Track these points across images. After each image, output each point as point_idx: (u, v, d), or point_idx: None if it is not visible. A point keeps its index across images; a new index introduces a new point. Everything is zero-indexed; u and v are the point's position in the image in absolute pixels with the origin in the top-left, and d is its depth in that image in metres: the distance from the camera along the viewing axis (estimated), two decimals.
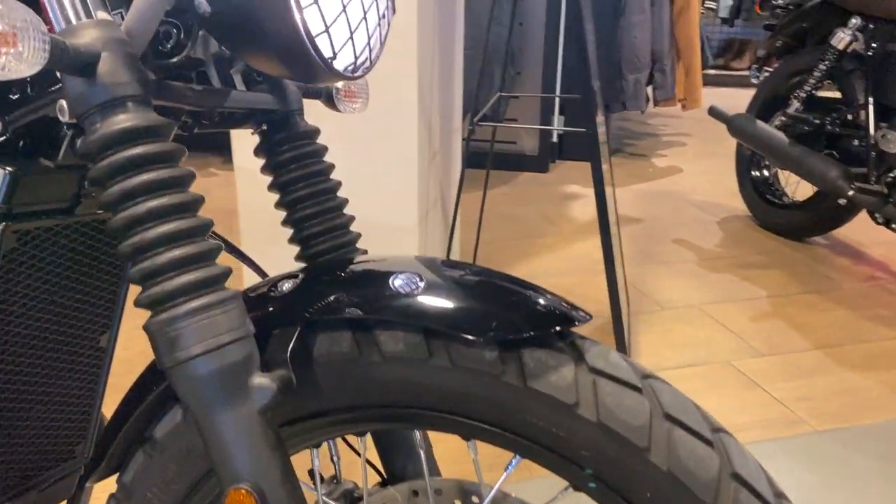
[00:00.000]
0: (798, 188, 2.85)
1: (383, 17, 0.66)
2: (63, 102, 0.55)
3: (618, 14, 3.75)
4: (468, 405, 0.59)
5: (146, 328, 0.55)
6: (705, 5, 6.02)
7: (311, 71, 0.60)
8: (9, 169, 0.63)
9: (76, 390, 0.80)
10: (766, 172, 2.98)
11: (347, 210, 0.79)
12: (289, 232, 0.76)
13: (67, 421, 0.81)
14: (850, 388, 1.82)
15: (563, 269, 2.52)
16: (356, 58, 0.63)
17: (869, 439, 1.61)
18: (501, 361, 0.57)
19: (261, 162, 0.76)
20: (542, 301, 0.60)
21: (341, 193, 0.78)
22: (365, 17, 0.62)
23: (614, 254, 1.83)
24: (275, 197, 0.76)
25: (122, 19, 0.58)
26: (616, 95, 3.87)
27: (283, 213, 0.76)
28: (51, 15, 0.55)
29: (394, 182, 1.74)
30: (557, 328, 0.58)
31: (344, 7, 0.59)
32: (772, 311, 2.25)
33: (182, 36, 0.62)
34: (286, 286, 0.63)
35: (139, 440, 0.67)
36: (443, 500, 0.74)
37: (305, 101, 0.79)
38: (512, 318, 0.57)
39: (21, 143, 0.64)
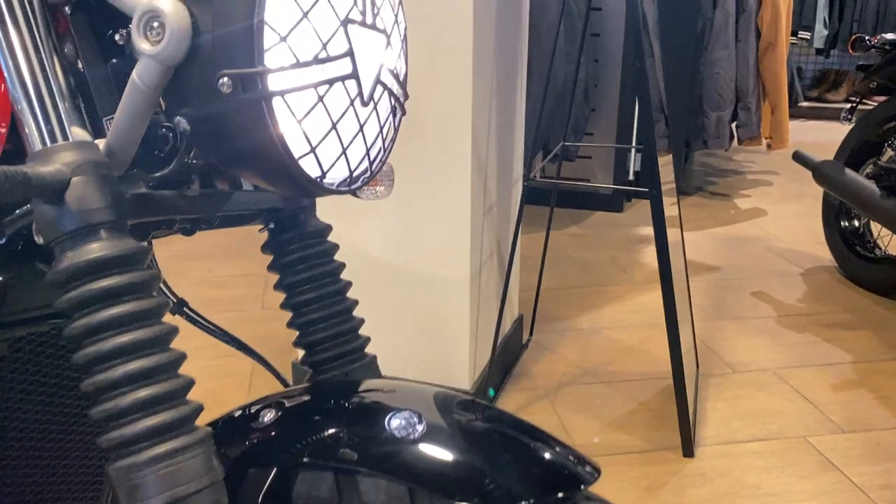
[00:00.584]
0: (892, 241, 2.64)
1: (386, 121, 0.62)
2: (38, 233, 0.52)
3: (700, 49, 3.61)
4: None
5: (106, 472, 0.51)
6: (799, 35, 5.75)
7: (300, 189, 0.56)
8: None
9: None
10: (856, 223, 2.78)
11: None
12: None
13: None
14: None
15: (629, 322, 2.41)
16: (351, 172, 0.58)
17: None
18: None
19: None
20: (550, 459, 0.53)
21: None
22: (362, 129, 0.57)
23: (679, 308, 1.72)
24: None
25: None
26: (697, 133, 3.72)
27: (288, 314, 0.72)
28: (27, 139, 0.52)
29: (445, 237, 1.69)
30: (560, 494, 0.51)
31: (334, 124, 0.54)
32: (856, 380, 2.08)
33: (178, 141, 0.59)
34: (268, 416, 0.58)
35: None
36: None
37: None
38: (511, 483, 0.51)
39: (17, 246, 0.62)
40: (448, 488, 0.51)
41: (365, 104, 0.57)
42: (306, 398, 0.61)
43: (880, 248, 2.72)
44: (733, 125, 3.74)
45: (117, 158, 0.54)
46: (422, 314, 1.77)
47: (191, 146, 0.59)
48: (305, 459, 0.55)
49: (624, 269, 2.89)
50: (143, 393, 0.50)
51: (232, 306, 2.46)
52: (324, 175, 0.55)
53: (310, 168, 0.54)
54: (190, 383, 0.52)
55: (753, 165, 4.78)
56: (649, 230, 3.39)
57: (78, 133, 0.53)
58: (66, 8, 0.57)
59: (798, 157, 2.68)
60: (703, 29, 3.58)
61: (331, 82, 0.53)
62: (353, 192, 0.62)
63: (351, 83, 0.55)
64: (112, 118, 0.58)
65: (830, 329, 2.39)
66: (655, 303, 2.54)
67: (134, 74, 0.51)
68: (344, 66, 0.54)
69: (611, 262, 2.96)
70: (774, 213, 3.73)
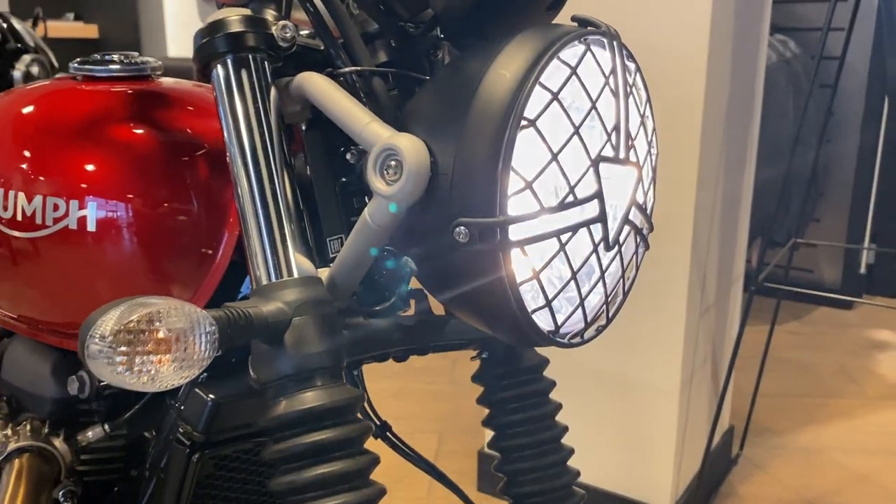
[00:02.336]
0: None
1: (630, 262, 0.54)
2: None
3: None
4: None
5: None
6: None
7: (528, 341, 0.49)
8: (212, 396, 0.60)
9: None
10: None
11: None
12: None
13: None
14: None
15: (860, 444, 2.09)
16: (587, 322, 0.51)
17: None
18: None
19: None
20: None
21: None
22: (603, 277, 0.50)
23: None
24: None
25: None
26: None
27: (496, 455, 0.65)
28: (251, 261, 0.50)
29: (656, 340, 1.55)
30: None
31: (574, 274, 0.47)
32: None
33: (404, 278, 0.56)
34: None
35: None
36: None
37: None
38: None
39: (226, 366, 0.61)
40: None
41: (609, 249, 0.49)
42: None
43: None
44: None
45: (339, 291, 0.51)
46: (625, 421, 1.64)
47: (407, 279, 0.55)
48: None
49: (854, 380, 2.55)
50: None
51: (421, 377, 2.45)
52: (557, 329, 0.48)
53: (542, 321, 0.47)
54: None
55: None
56: (885, 334, 2.98)
57: (303, 264, 0.50)
58: (302, 125, 0.56)
59: None
60: None
61: (575, 229, 0.46)
62: (580, 343, 0.54)
63: (596, 227, 0.48)
64: (336, 238, 0.56)
65: None
66: (895, 424, 2.20)
67: (366, 213, 0.47)
68: (591, 210, 0.47)
69: (838, 370, 2.62)
70: None
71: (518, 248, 0.44)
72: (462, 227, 0.43)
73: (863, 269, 3.39)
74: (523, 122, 0.43)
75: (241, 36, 0.51)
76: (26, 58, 2.53)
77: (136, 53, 0.70)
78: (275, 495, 0.46)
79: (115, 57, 0.69)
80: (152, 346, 0.38)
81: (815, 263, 3.33)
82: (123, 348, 0.38)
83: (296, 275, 0.49)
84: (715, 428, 1.67)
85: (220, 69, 0.51)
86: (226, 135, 0.51)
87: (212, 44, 0.51)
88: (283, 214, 0.50)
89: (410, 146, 0.44)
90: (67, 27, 4.27)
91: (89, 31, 5.08)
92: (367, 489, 0.46)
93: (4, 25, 2.63)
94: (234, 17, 0.51)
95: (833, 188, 3.27)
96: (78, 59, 0.69)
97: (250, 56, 0.51)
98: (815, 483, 1.90)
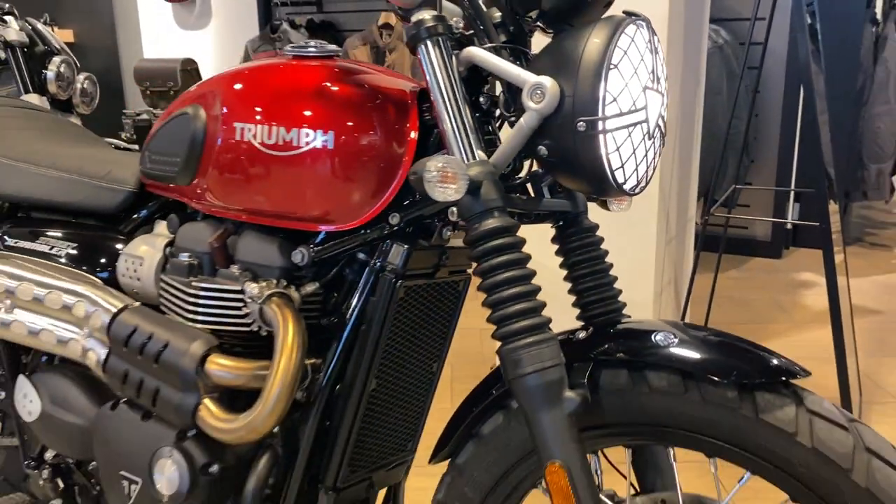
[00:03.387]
0: None
1: (664, 135, 0.95)
2: (454, 209, 0.88)
3: (860, 104, 3.74)
4: (713, 430, 0.82)
5: (498, 352, 0.85)
6: None
7: (607, 191, 0.89)
8: (406, 246, 0.98)
9: (414, 400, 1.14)
10: None
11: None
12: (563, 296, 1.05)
13: (406, 422, 1.14)
14: None
15: (793, 354, 2.57)
16: (638, 181, 0.91)
17: None
18: (740, 399, 0.80)
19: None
20: (772, 358, 0.83)
21: None
22: (647, 154, 0.91)
23: (846, 344, 1.92)
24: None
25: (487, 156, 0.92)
26: (857, 185, 3.82)
27: (568, 284, 1.05)
28: (455, 153, 0.89)
29: (634, 262, 1.99)
30: (783, 378, 0.80)
31: (634, 150, 0.88)
32: None
33: (518, 165, 0.96)
34: (581, 335, 0.91)
35: (471, 434, 0.98)
36: None
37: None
38: (748, 368, 0.81)
39: (408, 230, 1.00)
40: (707, 370, 0.81)
41: (650, 137, 0.90)
42: (598, 328, 0.93)
43: None
44: (894, 179, 3.80)
45: (499, 168, 0.90)
46: None
47: (539, 164, 0.94)
48: (610, 357, 0.87)
49: (784, 310, 3.05)
50: (519, 306, 0.84)
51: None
52: (625, 182, 0.89)
53: (619, 175, 0.88)
54: (543, 304, 0.86)
55: None
56: (808, 276, 3.51)
57: (480, 154, 0.89)
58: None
59: None
60: (864, 85, 3.71)
61: (634, 125, 0.87)
62: (636, 194, 0.94)
63: (644, 125, 0.88)
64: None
65: None
66: (818, 340, 2.69)
67: (522, 121, 0.87)
68: (641, 115, 0.88)
69: (772, 303, 3.13)
70: None
71: (610, 134, 0.84)
72: (581, 122, 0.83)
73: (788, 226, 3.93)
74: (611, 66, 0.83)
75: (434, 27, 0.89)
76: (56, 59, 2.77)
77: (323, 42, 1.07)
78: (479, 275, 0.86)
79: (312, 43, 1.06)
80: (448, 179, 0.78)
81: (749, 222, 3.85)
82: (439, 176, 0.77)
83: (478, 159, 0.88)
84: None
85: (427, 46, 0.89)
86: (430, 83, 0.89)
87: (418, 33, 0.89)
88: (469, 128, 0.89)
89: (549, 83, 0.84)
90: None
91: (65, 35, 5.27)
92: (527, 267, 0.86)
93: (31, 29, 2.88)
94: (429, 17, 0.90)
95: (761, 156, 3.79)
96: (289, 46, 1.06)
97: (439, 38, 0.90)
98: None
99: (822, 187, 1.80)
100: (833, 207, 2.80)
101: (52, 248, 1.27)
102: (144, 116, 4.06)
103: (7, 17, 2.83)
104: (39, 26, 2.91)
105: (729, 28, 3.64)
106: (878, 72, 3.68)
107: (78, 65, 2.86)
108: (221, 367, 0.98)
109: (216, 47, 4.83)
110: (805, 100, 3.72)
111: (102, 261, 1.23)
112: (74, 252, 1.26)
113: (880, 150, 3.69)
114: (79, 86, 2.85)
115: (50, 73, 2.73)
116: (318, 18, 4.33)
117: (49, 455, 1.31)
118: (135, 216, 1.26)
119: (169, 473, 1.00)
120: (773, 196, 3.81)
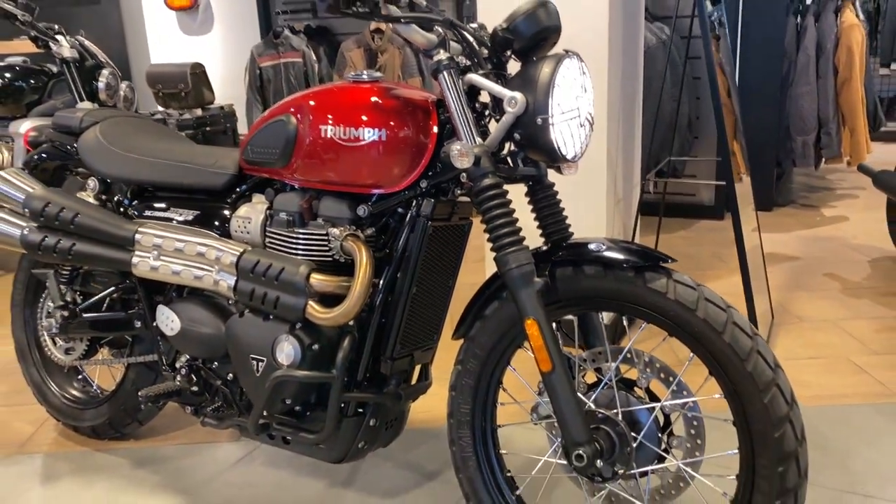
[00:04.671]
0: None
1: (592, 124, 1.53)
2: (464, 175, 1.45)
3: (787, 85, 4.36)
4: (622, 297, 1.40)
5: (494, 259, 1.43)
6: (891, 67, 6.30)
7: (558, 160, 1.47)
8: (432, 201, 1.55)
9: (439, 302, 1.71)
10: None
11: None
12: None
13: (434, 317, 1.71)
14: None
15: (722, 293, 3.18)
16: (576, 153, 1.49)
17: None
18: (635, 277, 1.38)
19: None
20: (654, 253, 1.41)
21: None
22: (580, 134, 1.48)
23: (755, 281, 2.52)
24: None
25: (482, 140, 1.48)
26: (787, 154, 4.45)
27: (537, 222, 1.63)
28: (464, 140, 1.46)
29: (587, 220, 2.57)
30: (660, 263, 1.38)
31: (572, 133, 1.46)
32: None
33: (502, 146, 1.54)
34: (544, 248, 1.49)
35: (478, 316, 1.55)
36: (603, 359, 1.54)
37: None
38: (640, 259, 1.39)
39: (433, 191, 1.56)
40: (618, 262, 1.39)
41: (581, 126, 1.48)
42: (554, 246, 1.51)
43: None
44: (821, 148, 4.43)
45: (490, 149, 1.47)
46: None
47: (514, 145, 1.51)
48: (560, 259, 1.44)
49: (723, 261, 3.67)
50: (506, 229, 1.42)
51: None
52: (567, 154, 1.46)
53: (564, 150, 1.45)
54: (521, 229, 1.45)
55: (844, 183, 5.39)
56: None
57: (479, 140, 1.46)
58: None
59: (862, 168, 3.41)
60: (789, 69, 4.33)
61: (572, 119, 1.45)
62: (574, 162, 1.51)
63: (577, 119, 1.46)
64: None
65: (885, 296, 3.08)
66: None
67: (503, 119, 1.44)
68: (575, 113, 1.45)
69: (713, 256, 3.75)
70: (855, 219, 4.39)
71: (557, 125, 1.41)
72: (539, 119, 1.40)
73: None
74: (555, 85, 1.41)
75: (448, 62, 1.46)
76: (105, 72, 3.23)
77: (374, 71, 1.63)
78: (481, 213, 1.43)
79: (364, 73, 1.62)
80: (463, 155, 1.36)
81: (696, 189, 4.46)
82: (458, 153, 1.36)
83: (478, 143, 1.45)
84: None
85: (445, 74, 1.45)
86: (447, 97, 1.46)
87: (438, 67, 1.46)
88: (471, 123, 1.45)
89: (520, 95, 1.41)
90: None
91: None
92: (510, 208, 1.43)
93: (79, 45, 3.34)
94: (444, 56, 1.46)
95: (704, 133, 4.39)
96: (351, 73, 1.62)
97: (452, 69, 1.46)
98: None
99: (726, 156, 2.40)
100: (745, 177, 3.41)
101: (180, 215, 1.82)
102: (158, 116, 4.54)
103: (58, 37, 3.27)
104: (86, 42, 3.36)
105: (671, 24, 4.23)
106: (800, 57, 4.30)
107: (120, 74, 3.35)
108: (320, 280, 1.54)
109: (219, 52, 5.33)
110: (711, 81, 4.33)
111: (216, 224, 1.79)
112: (193, 218, 1.82)
113: (804, 123, 4.32)
114: (122, 93, 3.34)
115: (101, 84, 3.18)
116: (315, 24, 4.84)
117: (180, 362, 1.87)
118: (234, 192, 1.81)
119: (287, 351, 1.57)
120: (715, 167, 4.42)
